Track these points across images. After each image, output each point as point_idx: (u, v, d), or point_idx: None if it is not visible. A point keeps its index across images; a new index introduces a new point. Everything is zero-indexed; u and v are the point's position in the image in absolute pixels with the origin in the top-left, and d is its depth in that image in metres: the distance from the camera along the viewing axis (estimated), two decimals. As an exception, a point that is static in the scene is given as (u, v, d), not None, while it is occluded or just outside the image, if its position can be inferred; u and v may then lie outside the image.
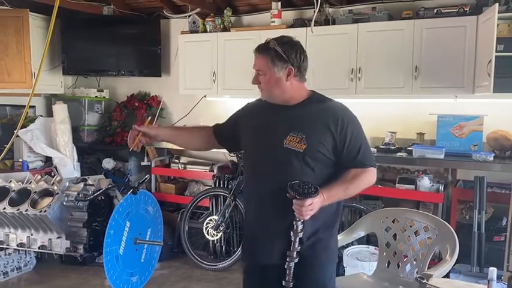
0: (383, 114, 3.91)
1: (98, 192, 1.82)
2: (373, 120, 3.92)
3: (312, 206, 1.66)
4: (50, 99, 4.83)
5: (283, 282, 1.79)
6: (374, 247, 3.14)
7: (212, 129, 2.13)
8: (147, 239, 1.96)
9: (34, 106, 4.77)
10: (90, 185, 1.90)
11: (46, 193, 1.89)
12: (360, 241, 3.16)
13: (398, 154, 3.55)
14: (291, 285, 1.79)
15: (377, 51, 3.57)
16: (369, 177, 1.83)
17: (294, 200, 1.66)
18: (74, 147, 4.27)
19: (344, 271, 3.18)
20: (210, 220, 3.91)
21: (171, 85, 4.63)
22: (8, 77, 4.10)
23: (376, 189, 3.61)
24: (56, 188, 1.88)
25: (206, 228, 3.96)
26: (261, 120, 1.91)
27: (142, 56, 4.66)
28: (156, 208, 2.05)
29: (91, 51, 4.63)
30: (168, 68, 4.71)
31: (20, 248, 1.93)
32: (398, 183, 3.54)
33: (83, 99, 4.74)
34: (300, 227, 1.72)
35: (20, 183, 1.96)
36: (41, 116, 4.49)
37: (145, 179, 1.98)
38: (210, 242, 3.99)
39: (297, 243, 1.74)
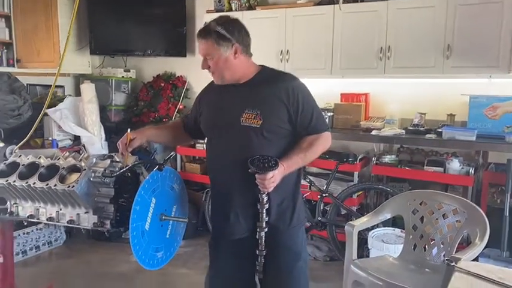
0: (412, 94, 3.81)
1: (125, 169, 1.83)
2: (401, 101, 3.86)
3: (273, 178, 1.74)
4: (79, 79, 4.91)
5: (257, 251, 1.89)
6: (400, 230, 3.08)
7: (181, 122, 2.19)
8: (173, 216, 1.98)
9: (63, 86, 4.86)
10: (117, 161, 1.92)
11: (74, 169, 1.91)
12: (385, 223, 3.12)
13: (428, 136, 3.46)
14: (264, 254, 1.89)
15: (407, 29, 3.45)
16: (324, 142, 1.90)
17: (256, 175, 1.74)
18: (102, 127, 4.34)
19: (369, 253, 3.15)
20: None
21: (196, 65, 4.56)
22: (37, 57, 4.18)
23: (404, 171, 3.55)
24: (83, 164, 1.90)
25: (230, 208, 3.97)
26: (216, 101, 1.95)
27: (167, 36, 4.66)
28: (182, 186, 2.05)
29: (118, 31, 4.66)
30: (193, 48, 4.69)
31: (50, 222, 1.97)
32: (426, 166, 3.45)
33: (110, 79, 4.79)
34: (265, 199, 1.81)
35: (49, 159, 1.99)
36: (70, 95, 4.57)
37: (171, 156, 1.98)
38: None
39: (264, 214, 1.84)
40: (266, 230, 1.87)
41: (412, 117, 3.68)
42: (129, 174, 1.94)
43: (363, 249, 3.30)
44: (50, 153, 2.13)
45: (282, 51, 3.94)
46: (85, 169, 1.87)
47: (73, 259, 3.72)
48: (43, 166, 1.95)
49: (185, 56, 4.66)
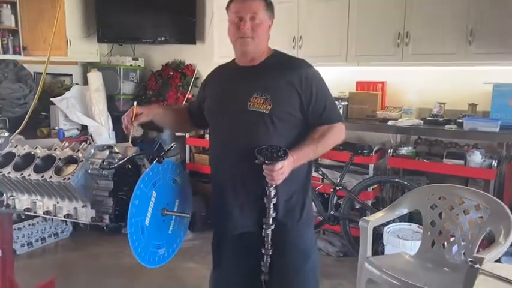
0: (431, 83, 3.62)
1: (123, 160, 1.71)
2: (420, 90, 3.68)
3: (282, 169, 1.60)
4: (87, 68, 4.81)
5: (262, 250, 1.77)
6: (417, 225, 2.94)
7: (187, 108, 2.06)
8: (175, 211, 1.86)
9: (71, 74, 4.78)
10: (116, 152, 1.80)
11: (71, 160, 1.80)
12: (401, 218, 2.98)
13: (447, 126, 3.28)
14: (270, 253, 1.77)
15: (427, 13, 3.26)
16: (337, 133, 1.78)
17: (263, 166, 1.61)
18: (109, 116, 4.24)
19: (383, 249, 3.02)
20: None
21: (205, 53, 4.48)
22: (43, 44, 4.08)
23: (421, 163, 3.38)
24: (80, 155, 1.78)
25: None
26: (222, 85, 1.83)
27: (177, 23, 4.53)
28: (185, 179, 1.93)
29: (125, 18, 4.54)
30: (203, 35, 4.56)
31: (47, 216, 1.87)
32: (446, 158, 3.28)
33: (118, 68, 4.68)
34: (273, 192, 1.68)
35: (45, 149, 1.89)
36: (77, 84, 4.48)
37: (171, 147, 1.84)
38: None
39: (271, 210, 1.70)
40: (273, 227, 1.74)
41: (431, 107, 3.50)
42: (130, 166, 1.83)
43: (378, 244, 3.18)
44: (48, 143, 2.02)
45: (294, 37, 3.78)
46: (82, 160, 1.76)
47: (79, 251, 3.65)
48: (39, 157, 1.85)
49: (194, 43, 4.52)
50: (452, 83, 3.54)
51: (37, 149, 1.90)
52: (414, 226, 2.99)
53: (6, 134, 3.58)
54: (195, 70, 4.63)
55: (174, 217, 1.87)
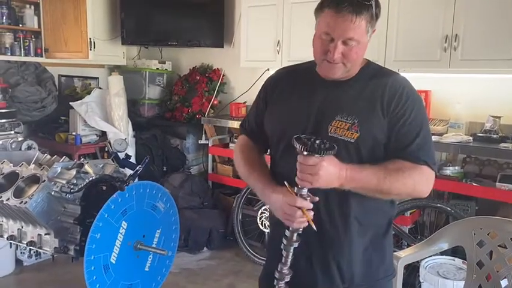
0: (484, 93, 3.14)
1: (84, 184, 1.43)
2: (470, 101, 3.20)
3: (317, 168, 1.16)
4: (113, 71, 4.66)
5: None
6: (462, 260, 2.50)
7: (247, 138, 1.54)
8: (154, 244, 1.56)
9: (97, 77, 4.65)
10: (85, 172, 1.53)
11: (35, 179, 1.55)
12: (443, 251, 2.54)
13: (503, 145, 2.80)
14: None
15: (480, 12, 2.79)
16: (421, 180, 1.29)
17: (298, 156, 1.19)
18: (129, 122, 4.05)
19: (420, 286, 2.59)
20: (266, 209, 3.47)
21: (234, 57, 4.18)
22: (66, 46, 3.95)
23: (470, 187, 2.91)
24: (45, 173, 1.53)
25: (260, 218, 3.52)
26: (295, 96, 1.39)
27: (206, 25, 4.27)
28: (170, 204, 1.63)
29: (150, 20, 4.34)
30: (231, 38, 4.27)
31: (11, 242, 1.63)
32: (499, 182, 2.80)
33: (143, 71, 4.49)
34: (295, 235, 1.25)
35: (11, 165, 1.65)
36: (100, 87, 4.32)
37: (137, 170, 1.54)
38: (265, 233, 3.55)
39: (290, 257, 1.27)
40: (288, 279, 1.30)
41: (483, 121, 3.02)
42: (104, 188, 1.55)
43: (414, 278, 2.76)
44: (27, 156, 1.79)
45: (326, 40, 3.40)
46: (44, 180, 1.50)
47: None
48: (2, 174, 1.61)
49: (222, 46, 4.24)
50: (509, 94, 3.04)
51: (4, 163, 1.66)
52: (458, 261, 2.57)
53: (20, 138, 3.45)
54: (221, 75, 4.35)
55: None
